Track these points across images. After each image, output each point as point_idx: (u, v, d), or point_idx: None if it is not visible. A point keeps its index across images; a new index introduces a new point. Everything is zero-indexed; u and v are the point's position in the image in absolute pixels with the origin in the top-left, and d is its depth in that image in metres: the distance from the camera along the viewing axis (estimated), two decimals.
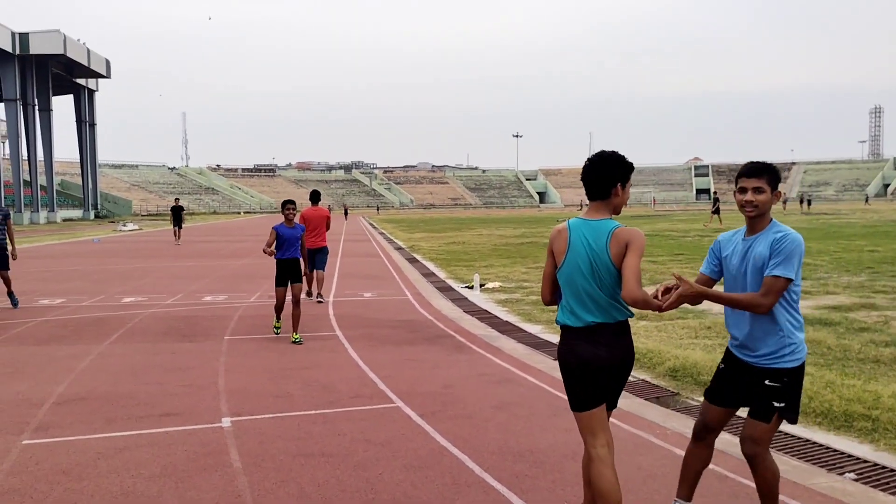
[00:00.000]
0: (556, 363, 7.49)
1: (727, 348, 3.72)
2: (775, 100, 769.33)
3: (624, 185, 3.40)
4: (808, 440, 5.23)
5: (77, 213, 75.06)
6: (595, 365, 3.34)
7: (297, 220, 14.52)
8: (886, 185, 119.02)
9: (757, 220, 3.48)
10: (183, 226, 32.05)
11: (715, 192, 46.35)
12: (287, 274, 9.34)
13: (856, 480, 4.49)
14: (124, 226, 48.92)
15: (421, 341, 9.24)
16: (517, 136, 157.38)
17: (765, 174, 3.46)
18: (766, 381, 3.46)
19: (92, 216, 74.07)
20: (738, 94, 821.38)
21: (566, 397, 3.51)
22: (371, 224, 52.81)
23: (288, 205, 9.50)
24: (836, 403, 5.73)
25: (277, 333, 9.54)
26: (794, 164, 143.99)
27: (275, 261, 9.37)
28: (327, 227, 13.32)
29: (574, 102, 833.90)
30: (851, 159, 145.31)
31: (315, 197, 13.74)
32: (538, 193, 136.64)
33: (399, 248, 26.98)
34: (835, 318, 9.81)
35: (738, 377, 3.59)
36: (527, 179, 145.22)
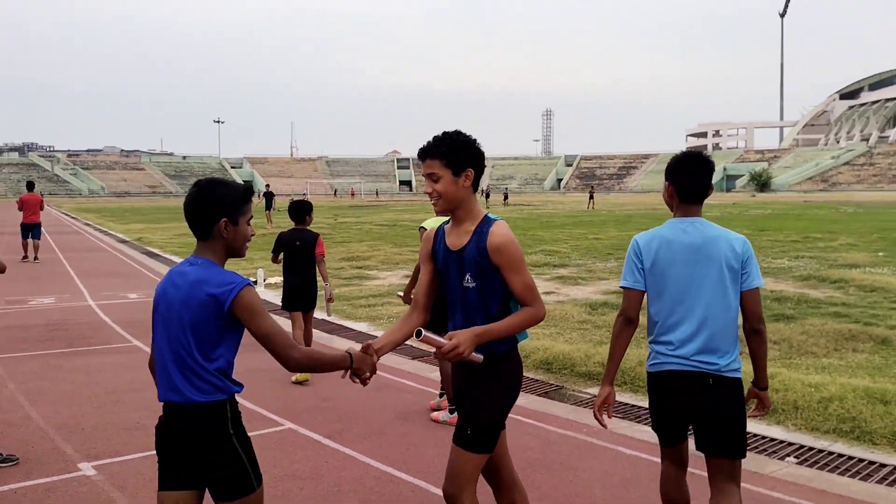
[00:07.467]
0: (414, 361, 7.14)
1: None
2: (464, 99, 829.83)
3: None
4: None
5: None
6: None
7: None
8: (559, 180, 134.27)
9: None
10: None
11: (267, 185, 39.76)
12: None
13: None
14: None
15: (249, 348, 8.22)
16: (219, 121, 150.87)
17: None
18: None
19: None
20: (431, 92, 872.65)
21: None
22: (66, 214, 46.83)
23: None
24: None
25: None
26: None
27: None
28: (41, 208, 17.88)
29: (275, 89, 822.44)
30: (529, 156, 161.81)
31: (31, 186, 18.83)
32: (245, 182, 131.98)
33: (124, 241, 24.19)
34: None
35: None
36: (232, 167, 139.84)
